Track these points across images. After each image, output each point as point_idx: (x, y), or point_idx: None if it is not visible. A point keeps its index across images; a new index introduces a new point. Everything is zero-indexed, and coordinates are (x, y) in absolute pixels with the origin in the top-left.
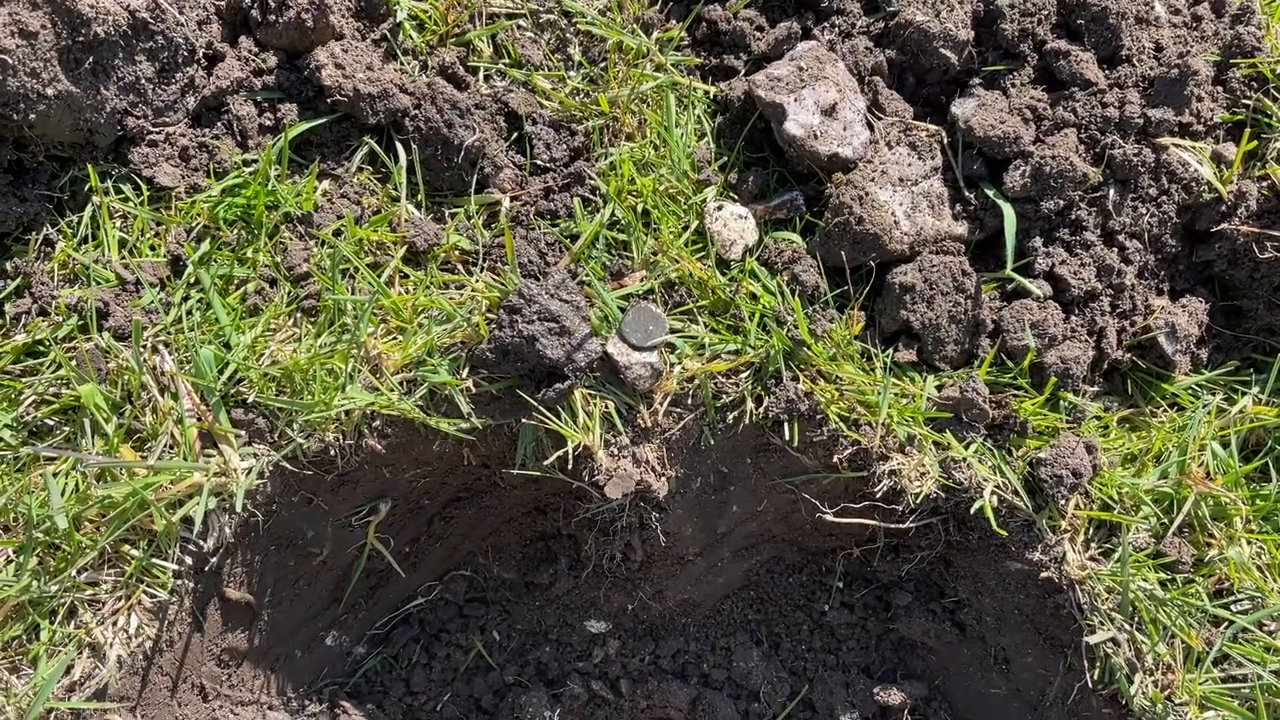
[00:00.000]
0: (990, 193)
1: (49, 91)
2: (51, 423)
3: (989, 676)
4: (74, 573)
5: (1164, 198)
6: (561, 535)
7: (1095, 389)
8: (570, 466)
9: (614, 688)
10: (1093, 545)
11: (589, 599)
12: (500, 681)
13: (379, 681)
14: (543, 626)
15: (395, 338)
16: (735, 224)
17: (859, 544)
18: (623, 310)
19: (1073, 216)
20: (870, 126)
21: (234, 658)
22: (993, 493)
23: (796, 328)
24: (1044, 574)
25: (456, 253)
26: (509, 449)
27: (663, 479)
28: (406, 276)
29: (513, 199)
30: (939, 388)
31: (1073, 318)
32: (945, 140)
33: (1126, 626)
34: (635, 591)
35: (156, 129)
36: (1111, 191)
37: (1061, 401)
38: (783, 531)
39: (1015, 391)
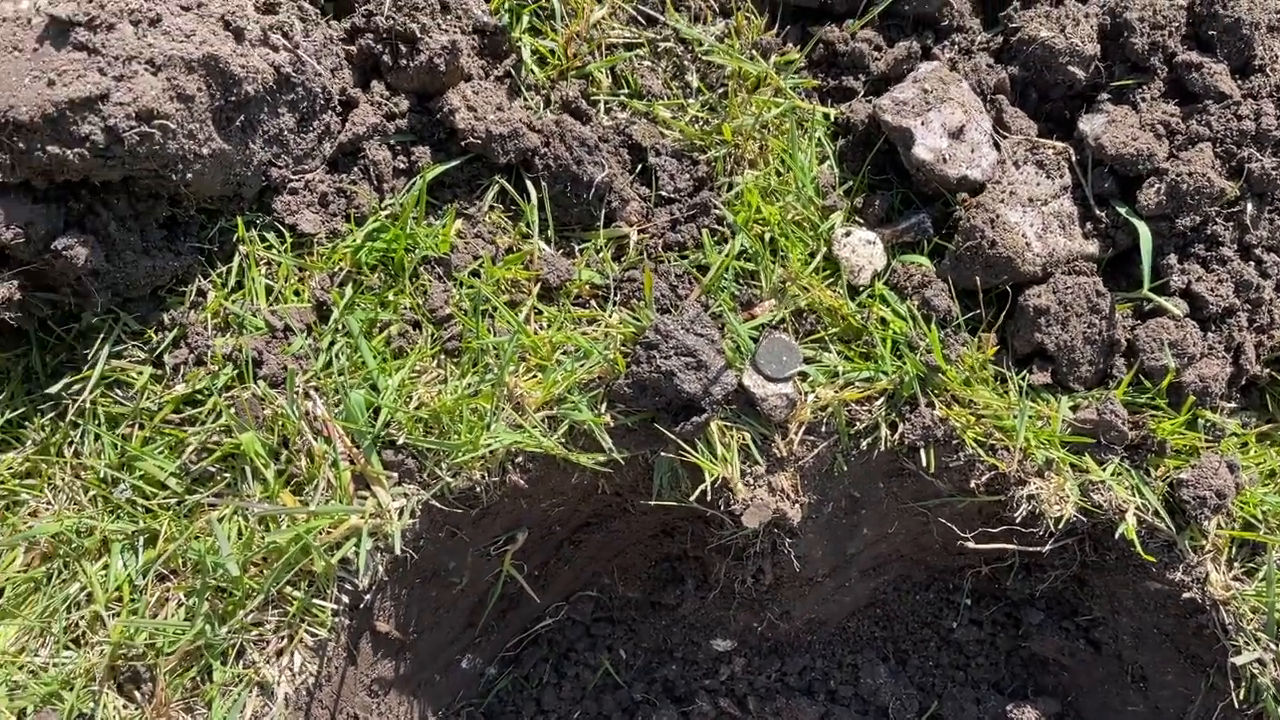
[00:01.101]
0: (1122, 210)
1: (204, 151)
2: (213, 470)
3: (1125, 694)
4: (242, 615)
5: None
6: (688, 557)
7: (1233, 405)
8: (709, 497)
9: (741, 705)
10: (1236, 565)
11: (715, 618)
12: (629, 699)
13: (511, 701)
14: (668, 645)
15: (535, 375)
16: (863, 249)
17: (988, 563)
18: (755, 341)
19: (1208, 232)
20: (997, 146)
21: (382, 687)
22: (1134, 514)
23: (930, 352)
24: (1186, 594)
25: (588, 288)
26: (643, 478)
27: (796, 506)
28: (541, 313)
29: (640, 232)
30: (1074, 409)
31: (1210, 334)
32: (1074, 158)
33: (1273, 646)
34: (762, 612)
35: (297, 177)
36: (1249, 205)
37: (1200, 420)
38: (911, 551)
39: (1153, 411)
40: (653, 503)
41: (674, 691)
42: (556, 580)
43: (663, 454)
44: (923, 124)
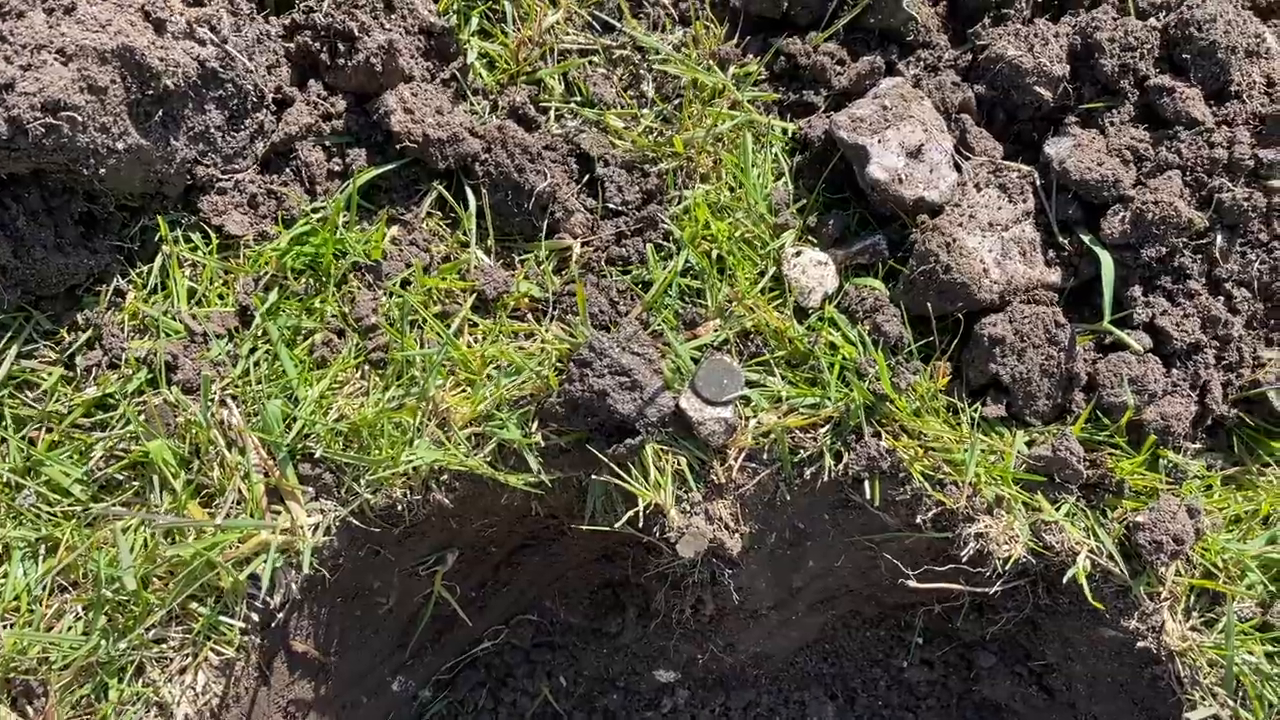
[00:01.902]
0: (1086, 239)
1: (119, 146)
2: (121, 477)
3: None
4: (142, 631)
5: (1275, 243)
6: (630, 584)
7: (1198, 446)
8: (641, 523)
9: None
10: (1194, 614)
11: (658, 648)
12: None
13: None
14: (610, 674)
15: (464, 390)
16: (814, 270)
17: (940, 601)
18: (696, 362)
19: (1175, 264)
20: (958, 167)
21: (300, 709)
22: (1087, 557)
23: (879, 380)
24: (1141, 643)
25: (526, 301)
26: (578, 501)
27: (736, 535)
28: (475, 325)
29: (584, 244)
30: (1029, 444)
31: (1174, 371)
32: (1038, 182)
33: (1230, 702)
34: (706, 643)
35: (226, 176)
36: (1219, 238)
37: (1161, 460)
38: (860, 586)
39: (1111, 450)
40: (585, 528)
41: None
42: (495, 602)
43: (595, 477)
44: (879, 141)
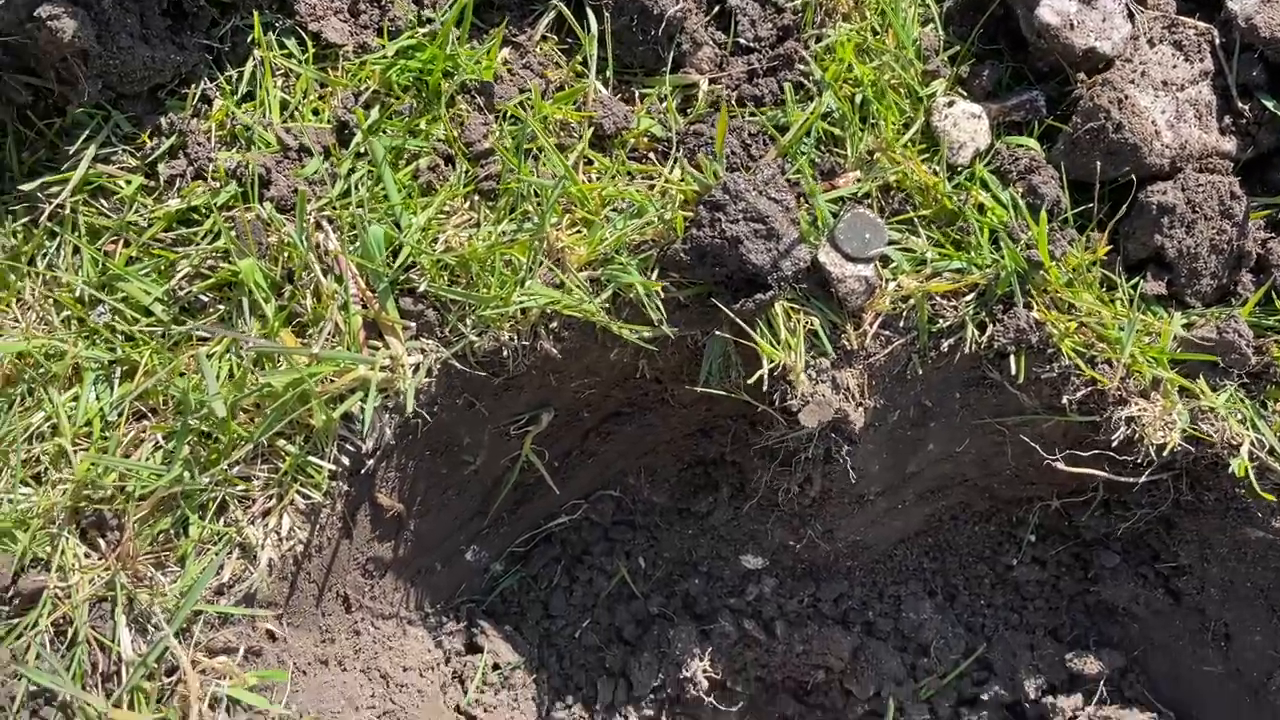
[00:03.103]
0: (1269, 105)
1: None
2: (205, 299)
3: (1203, 653)
4: (226, 465)
5: None
6: (725, 461)
7: None
8: (766, 387)
9: (768, 629)
10: None
11: (748, 532)
12: (644, 611)
13: (516, 602)
14: (693, 557)
15: (580, 231)
16: (966, 124)
17: (1062, 496)
18: (835, 216)
19: None
20: (1131, 19)
21: (379, 568)
22: (1248, 449)
23: (1032, 246)
24: None
25: (646, 140)
26: (689, 363)
27: (861, 409)
28: (591, 163)
29: (712, 82)
30: (1187, 326)
31: None
32: (1217, 40)
33: None
34: (803, 529)
35: None
36: None
37: None
38: (977, 476)
39: (1278, 338)
40: (699, 389)
41: (695, 608)
42: (577, 475)
43: (717, 334)
44: None
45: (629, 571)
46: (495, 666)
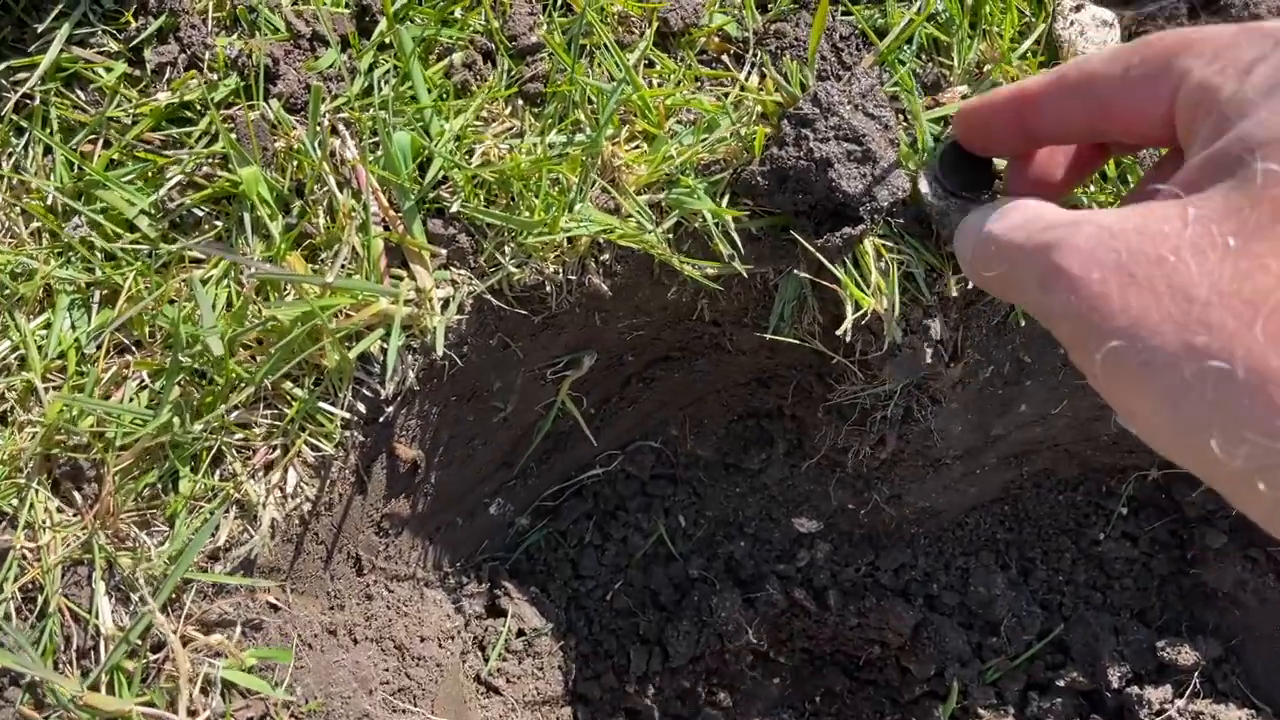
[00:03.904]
0: None
1: None
2: (200, 213)
3: None
4: (223, 410)
5: None
6: (782, 414)
7: None
8: (849, 337)
9: (819, 598)
10: None
11: (804, 492)
12: (683, 574)
13: (542, 560)
14: (739, 517)
15: (640, 147)
16: (1095, 32)
17: (1162, 466)
18: (936, 139)
19: None
20: None
21: (395, 525)
22: None
23: None
24: None
25: (717, 41)
26: (756, 305)
27: (953, 365)
28: (653, 65)
29: None
30: None
31: None
32: None
33: None
34: (867, 492)
35: None
36: None
37: None
38: (1070, 441)
39: None
40: (768, 336)
41: (739, 573)
42: (615, 424)
43: (795, 272)
44: None
45: (667, 530)
46: (520, 633)
